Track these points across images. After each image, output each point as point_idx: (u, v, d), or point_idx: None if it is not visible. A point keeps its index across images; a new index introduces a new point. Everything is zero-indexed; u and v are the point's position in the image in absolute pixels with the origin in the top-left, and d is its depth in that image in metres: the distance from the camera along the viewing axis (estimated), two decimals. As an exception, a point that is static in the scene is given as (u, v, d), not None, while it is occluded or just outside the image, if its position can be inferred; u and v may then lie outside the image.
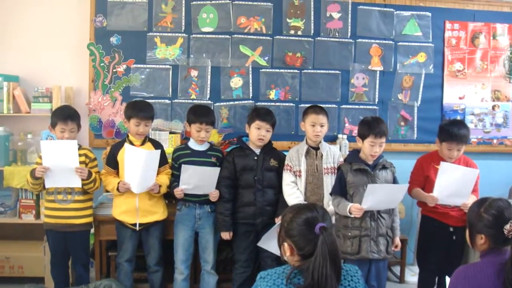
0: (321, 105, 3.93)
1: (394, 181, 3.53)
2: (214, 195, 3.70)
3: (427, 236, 3.89)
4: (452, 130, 3.66)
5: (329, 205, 3.64)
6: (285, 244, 2.06)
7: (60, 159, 3.50)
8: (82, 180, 3.57)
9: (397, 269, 4.81)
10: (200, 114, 3.77)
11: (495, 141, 5.16)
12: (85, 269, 3.80)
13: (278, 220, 3.62)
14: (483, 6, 5.09)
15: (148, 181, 3.63)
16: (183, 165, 3.62)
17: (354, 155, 3.55)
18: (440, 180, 3.58)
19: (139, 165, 3.55)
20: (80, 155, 3.60)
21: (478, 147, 5.08)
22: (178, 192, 3.65)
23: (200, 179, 3.63)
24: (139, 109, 3.71)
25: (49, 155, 3.50)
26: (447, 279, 3.84)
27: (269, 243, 3.16)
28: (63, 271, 3.81)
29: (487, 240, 2.34)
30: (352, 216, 3.36)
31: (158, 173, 3.72)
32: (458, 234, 3.69)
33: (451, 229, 3.76)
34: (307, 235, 1.99)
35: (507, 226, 2.26)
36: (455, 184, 3.56)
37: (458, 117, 5.00)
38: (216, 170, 3.67)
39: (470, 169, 3.66)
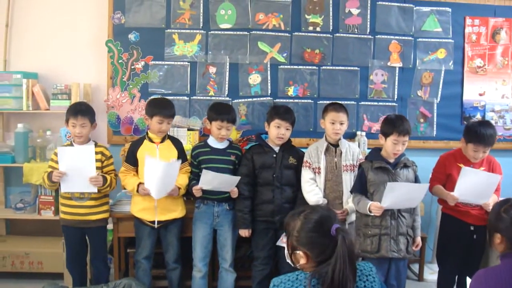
0: (340, 102, 3.90)
1: (416, 180, 3.48)
2: (234, 191, 3.69)
3: (447, 235, 3.84)
4: (480, 132, 3.54)
5: (348, 202, 3.64)
6: (299, 252, 2.00)
7: (77, 165, 3.49)
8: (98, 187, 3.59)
9: (415, 267, 4.78)
10: (222, 112, 3.76)
11: (515, 138, 5.10)
12: (104, 264, 3.82)
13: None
14: (504, 1, 5.01)
15: (167, 187, 3.61)
16: (203, 170, 3.59)
17: (375, 153, 3.53)
18: (461, 183, 3.51)
19: (159, 176, 3.51)
20: (96, 152, 3.60)
21: (499, 144, 4.96)
22: (196, 189, 3.64)
23: (219, 183, 3.62)
24: (163, 107, 3.69)
25: (66, 161, 3.49)
26: (468, 280, 3.81)
27: None
28: (80, 267, 3.81)
29: (503, 240, 2.31)
30: (372, 214, 3.34)
31: (177, 173, 3.72)
32: (478, 233, 3.66)
33: (472, 228, 3.71)
34: (323, 238, 1.95)
35: None
36: (476, 188, 3.49)
37: (478, 114, 4.96)
38: (236, 179, 3.65)
39: (492, 175, 3.57)
